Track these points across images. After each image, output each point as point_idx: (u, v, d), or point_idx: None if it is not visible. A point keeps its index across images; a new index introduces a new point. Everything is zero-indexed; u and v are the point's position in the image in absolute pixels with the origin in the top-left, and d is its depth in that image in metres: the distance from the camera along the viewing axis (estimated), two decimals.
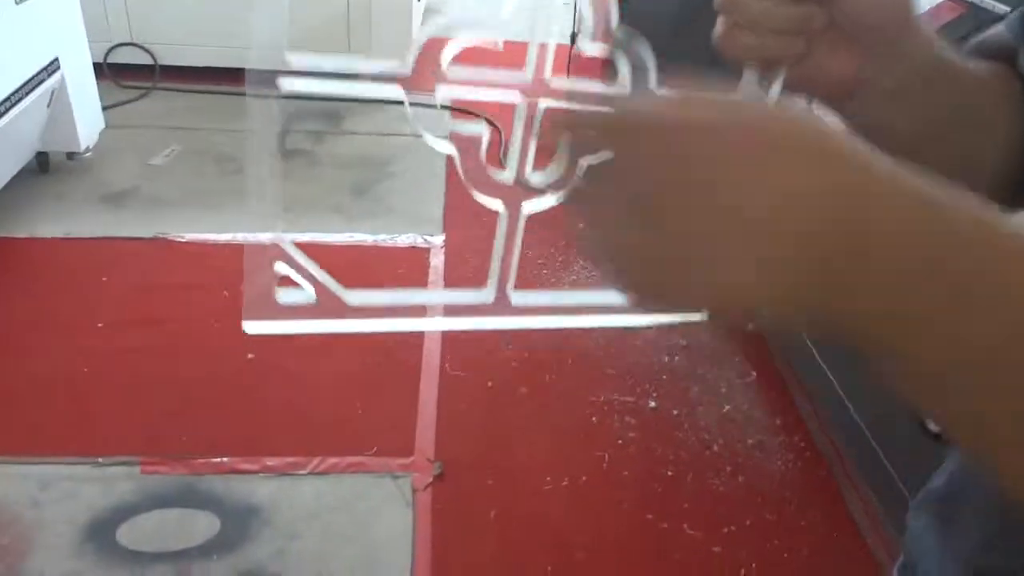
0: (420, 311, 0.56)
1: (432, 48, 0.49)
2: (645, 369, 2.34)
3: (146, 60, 3.85)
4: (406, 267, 2.68)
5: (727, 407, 2.23)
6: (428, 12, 4.85)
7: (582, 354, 2.38)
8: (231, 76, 3.89)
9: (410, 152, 3.50)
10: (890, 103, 0.49)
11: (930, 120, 0.50)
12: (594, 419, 2.14)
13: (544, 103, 0.50)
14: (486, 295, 0.56)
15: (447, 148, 0.54)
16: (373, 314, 0.55)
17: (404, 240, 2.83)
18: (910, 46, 0.47)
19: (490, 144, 0.53)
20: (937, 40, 0.50)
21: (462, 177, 0.54)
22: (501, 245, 0.55)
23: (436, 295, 0.57)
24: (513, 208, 0.53)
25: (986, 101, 0.52)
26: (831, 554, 1.86)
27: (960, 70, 0.51)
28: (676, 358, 2.40)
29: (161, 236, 2.74)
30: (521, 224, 0.54)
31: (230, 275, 2.57)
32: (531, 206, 0.53)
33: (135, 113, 3.65)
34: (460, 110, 4.00)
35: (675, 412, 2.20)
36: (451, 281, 2.61)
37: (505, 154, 0.52)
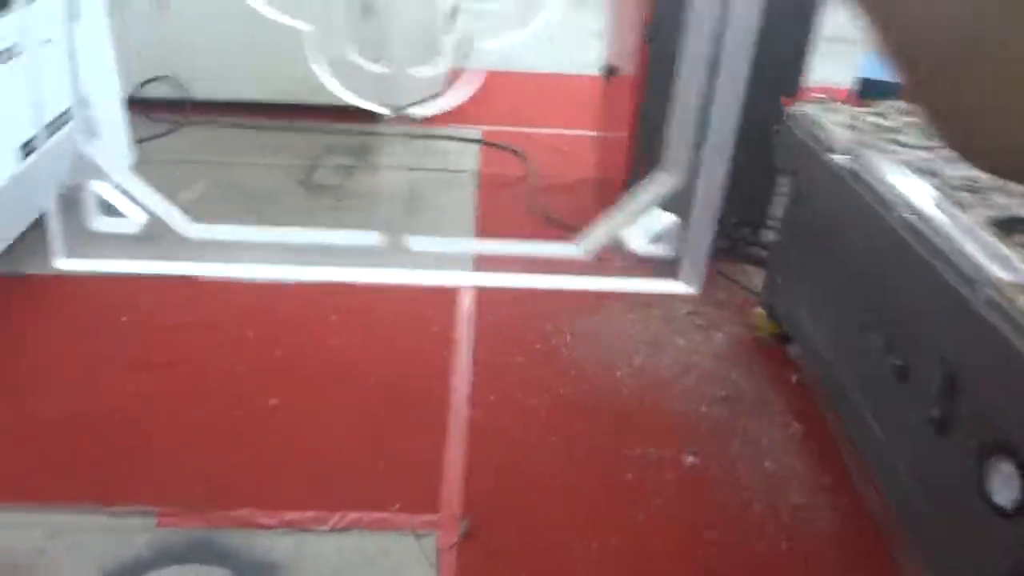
0: (298, 255, 0.45)
1: None
2: (682, 420, 2.23)
3: (179, 94, 3.86)
4: (433, 309, 2.61)
5: (769, 463, 2.11)
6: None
7: (616, 402, 2.27)
8: (261, 110, 3.88)
9: (439, 187, 3.44)
10: None
11: None
12: (629, 475, 2.03)
13: None
14: (380, 238, 0.45)
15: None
16: (221, 255, 0.44)
17: (431, 280, 2.76)
18: None
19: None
20: None
21: None
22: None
23: (315, 235, 0.46)
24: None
25: None
26: None
27: None
28: (715, 408, 2.29)
29: (185, 274, 2.68)
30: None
31: (254, 315, 2.51)
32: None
33: (166, 147, 3.65)
34: (494, 144, 3.87)
35: (715, 468, 2.09)
36: (482, 325, 2.52)
37: None
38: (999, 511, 1.49)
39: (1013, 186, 1.87)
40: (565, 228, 3.14)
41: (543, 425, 2.17)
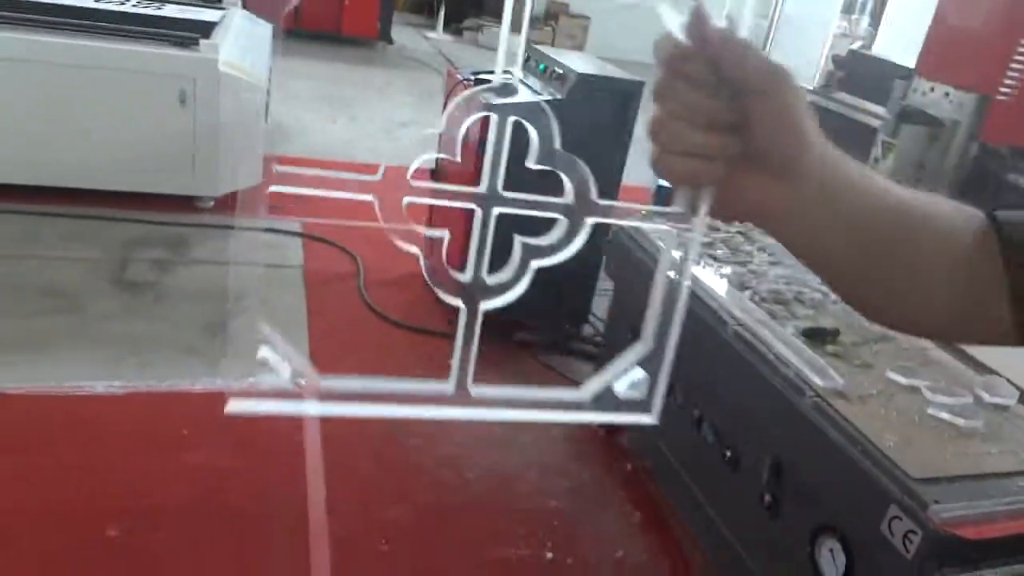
0: (386, 398, 0.61)
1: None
2: (535, 517, 2.33)
3: None
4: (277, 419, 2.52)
5: (619, 552, 2.26)
6: (276, 133, 4.78)
7: (470, 506, 2.33)
8: (53, 195, 3.58)
9: (266, 283, 3.35)
10: (802, 222, 0.57)
11: (849, 241, 0.58)
12: None
13: (496, 211, 0.59)
14: (447, 387, 0.60)
15: (412, 248, 0.59)
16: (343, 399, 0.60)
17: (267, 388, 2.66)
18: (806, 168, 0.54)
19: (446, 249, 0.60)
20: (849, 167, 0.57)
21: (426, 276, 0.59)
22: (461, 340, 0.60)
23: (401, 385, 0.61)
24: (471, 306, 0.60)
25: (924, 228, 0.58)
26: None
27: (888, 197, 0.58)
28: (563, 501, 2.41)
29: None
30: (478, 320, 0.60)
31: (74, 435, 2.30)
32: (487, 304, 0.59)
33: None
34: (318, 239, 3.86)
35: (570, 561, 2.20)
36: (330, 437, 2.47)
37: (463, 258, 0.60)
38: None
39: (808, 298, 2.21)
40: (401, 327, 3.19)
41: (405, 535, 2.17)
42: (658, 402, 0.65)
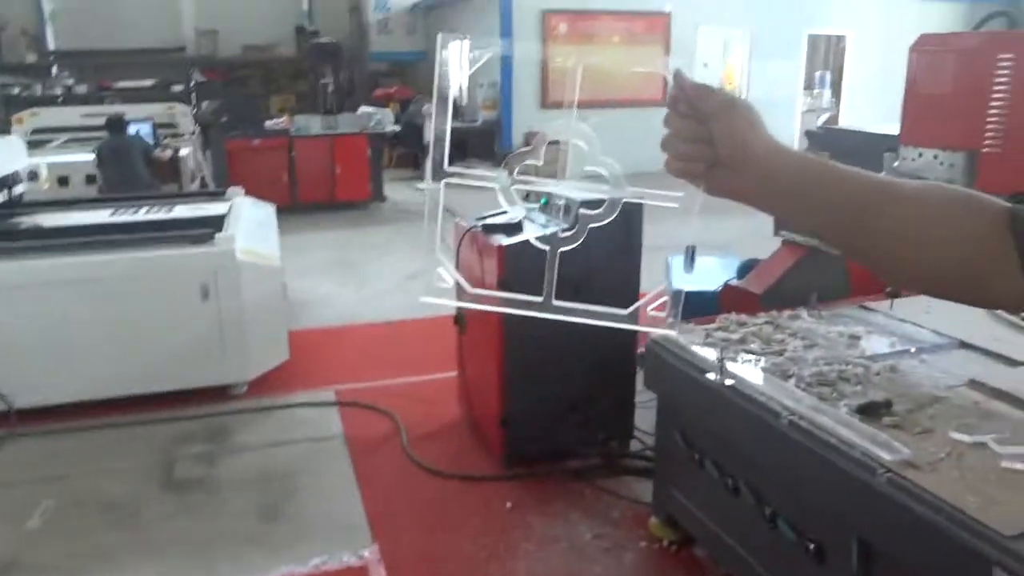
0: (501, 303, 0.92)
1: None
2: None
3: (0, 406, 3.55)
4: None
5: None
6: (293, 306, 4.91)
7: None
8: (97, 409, 3.65)
9: (311, 458, 3.37)
10: (766, 201, 0.83)
11: (806, 209, 0.83)
12: None
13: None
14: (540, 299, 0.91)
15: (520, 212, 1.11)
16: (484, 300, 0.94)
17: (333, 564, 2.64)
18: (752, 165, 0.80)
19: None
20: (792, 161, 0.81)
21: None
22: (548, 269, 0.91)
23: (513, 296, 0.92)
24: (553, 248, 0.91)
25: (892, 199, 0.79)
26: None
27: (841, 176, 0.81)
28: None
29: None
30: (557, 257, 0.91)
31: None
32: (562, 247, 0.91)
33: None
34: (353, 404, 3.89)
35: None
36: None
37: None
38: None
39: (852, 375, 2.23)
40: (450, 477, 3.17)
41: None
42: (675, 321, 0.91)
